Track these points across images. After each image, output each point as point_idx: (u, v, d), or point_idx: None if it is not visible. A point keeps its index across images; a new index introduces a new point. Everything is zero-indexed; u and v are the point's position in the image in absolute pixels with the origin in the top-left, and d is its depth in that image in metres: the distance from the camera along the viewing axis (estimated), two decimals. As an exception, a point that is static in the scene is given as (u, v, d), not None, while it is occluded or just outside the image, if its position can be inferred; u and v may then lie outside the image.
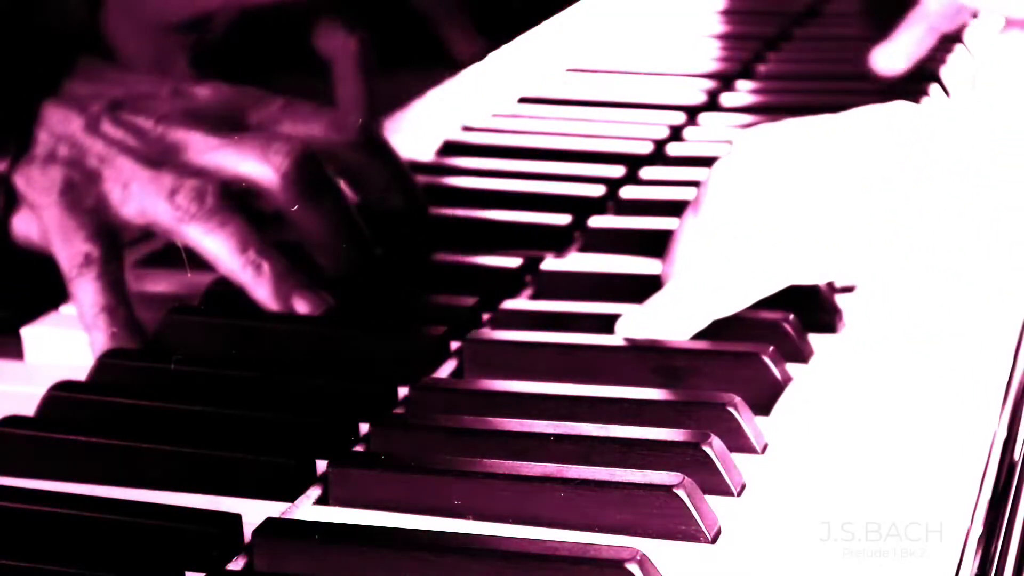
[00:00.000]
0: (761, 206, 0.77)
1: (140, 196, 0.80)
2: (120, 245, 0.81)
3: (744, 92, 1.22)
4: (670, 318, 0.75)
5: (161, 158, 0.81)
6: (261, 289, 0.79)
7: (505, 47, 1.25)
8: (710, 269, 0.76)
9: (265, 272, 0.79)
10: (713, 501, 0.62)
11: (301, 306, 0.80)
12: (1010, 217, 0.74)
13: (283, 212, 0.82)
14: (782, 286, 0.76)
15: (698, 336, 0.76)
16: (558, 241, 0.91)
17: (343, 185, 0.86)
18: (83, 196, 0.80)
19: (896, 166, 0.75)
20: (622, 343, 0.75)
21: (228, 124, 0.83)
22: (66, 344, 0.80)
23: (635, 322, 0.76)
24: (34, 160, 0.81)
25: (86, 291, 0.78)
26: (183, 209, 0.79)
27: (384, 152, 0.88)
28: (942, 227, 0.74)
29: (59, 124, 0.81)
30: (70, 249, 0.79)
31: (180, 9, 0.95)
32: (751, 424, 0.68)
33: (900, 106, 0.78)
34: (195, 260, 0.80)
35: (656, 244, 0.85)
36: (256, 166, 0.81)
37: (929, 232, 0.74)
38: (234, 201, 0.80)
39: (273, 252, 0.80)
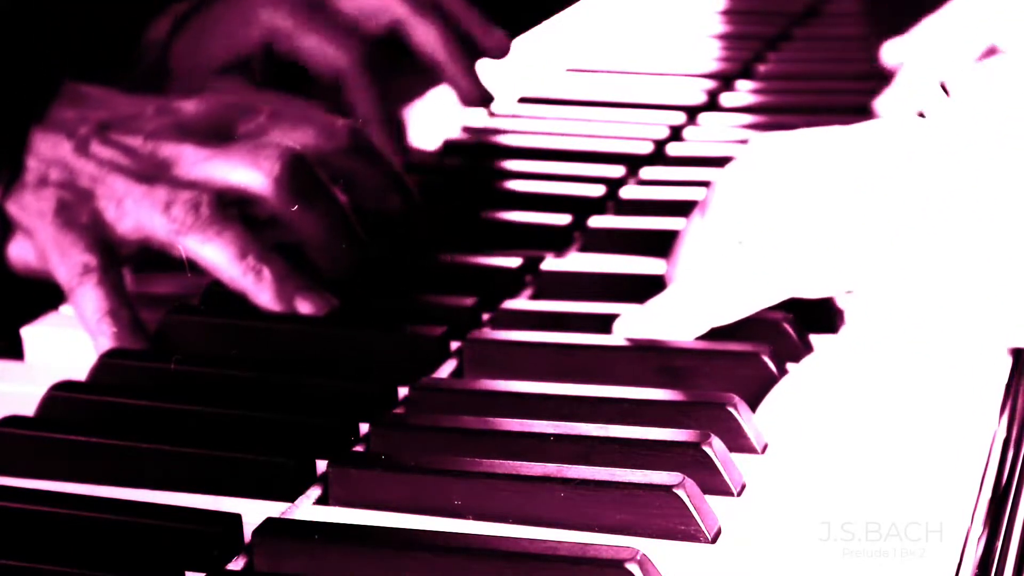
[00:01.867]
0: (768, 213, 0.77)
1: (135, 212, 0.80)
2: (117, 255, 0.81)
3: (744, 92, 1.22)
4: (671, 321, 0.75)
5: (153, 174, 0.81)
6: (264, 294, 0.79)
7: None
8: (714, 275, 0.76)
9: (266, 277, 0.79)
10: (713, 501, 0.62)
11: (305, 308, 0.79)
12: (1011, 217, 0.74)
13: (278, 217, 0.82)
14: (785, 297, 0.76)
15: (698, 336, 0.76)
16: (558, 241, 0.91)
17: (337, 189, 0.86)
18: (78, 215, 0.80)
19: (899, 169, 0.75)
20: (622, 343, 0.75)
21: (217, 136, 0.83)
22: (66, 344, 0.80)
23: (635, 322, 0.76)
24: (26, 186, 0.81)
25: (88, 298, 0.78)
26: (179, 221, 0.79)
27: (375, 155, 0.88)
28: (942, 227, 0.74)
29: (48, 149, 0.81)
30: (68, 262, 0.79)
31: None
32: (751, 424, 0.68)
33: (910, 119, 0.78)
34: (195, 265, 0.80)
35: (656, 244, 0.85)
36: (247, 173, 0.81)
37: (929, 232, 0.74)
38: (230, 209, 0.80)
39: (273, 256, 0.80)
